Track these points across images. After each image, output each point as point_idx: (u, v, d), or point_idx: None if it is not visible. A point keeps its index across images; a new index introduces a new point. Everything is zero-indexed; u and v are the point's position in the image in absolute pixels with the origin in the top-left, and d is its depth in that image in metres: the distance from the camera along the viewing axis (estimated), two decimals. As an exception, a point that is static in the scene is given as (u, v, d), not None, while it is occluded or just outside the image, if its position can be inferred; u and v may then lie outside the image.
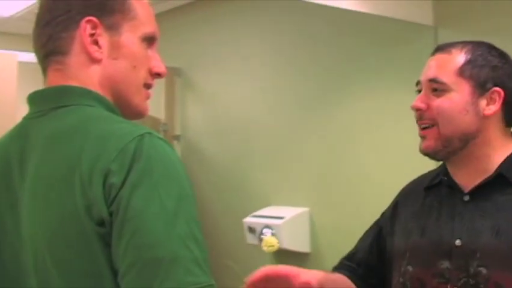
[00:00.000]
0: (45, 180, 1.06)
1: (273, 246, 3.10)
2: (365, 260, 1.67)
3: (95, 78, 1.13)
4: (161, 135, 1.08)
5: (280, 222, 3.19)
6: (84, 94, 1.12)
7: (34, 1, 3.22)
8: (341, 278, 1.66)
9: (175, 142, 3.90)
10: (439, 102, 1.43)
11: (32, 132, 1.13)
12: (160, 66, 1.20)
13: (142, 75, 1.17)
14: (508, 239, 1.35)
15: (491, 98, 1.43)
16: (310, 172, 3.29)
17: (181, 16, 3.90)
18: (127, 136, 1.02)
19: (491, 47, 1.47)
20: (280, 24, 3.45)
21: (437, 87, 1.44)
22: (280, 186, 3.44)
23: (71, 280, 1.02)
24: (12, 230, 1.11)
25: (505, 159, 1.44)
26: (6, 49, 3.47)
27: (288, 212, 3.27)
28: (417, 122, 1.48)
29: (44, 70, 1.17)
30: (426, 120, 1.46)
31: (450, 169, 1.50)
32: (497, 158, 1.44)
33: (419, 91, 1.49)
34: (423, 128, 1.47)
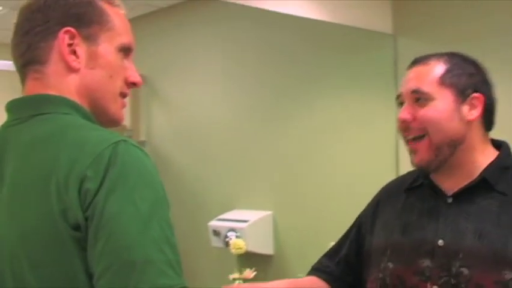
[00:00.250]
0: (22, 186, 1.07)
1: (240, 248, 3.13)
2: (344, 258, 1.67)
3: (72, 87, 1.14)
4: (135, 143, 1.09)
5: (245, 225, 3.23)
6: (61, 102, 1.13)
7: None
8: (309, 281, 1.67)
9: (139, 148, 3.91)
10: (425, 111, 1.44)
11: (10, 140, 1.13)
12: (135, 76, 1.21)
13: (118, 84, 1.18)
14: (490, 242, 1.37)
15: (472, 104, 1.45)
16: (273, 176, 3.34)
17: (146, 25, 3.90)
18: (102, 143, 1.03)
19: (464, 56, 1.51)
20: (242, 33, 3.49)
21: (419, 97, 1.45)
22: (244, 190, 3.47)
23: (47, 283, 1.03)
24: None
25: (488, 164, 1.46)
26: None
27: (252, 215, 3.31)
28: (402, 134, 1.47)
29: (23, 79, 1.18)
30: (414, 131, 1.45)
31: (433, 174, 1.50)
32: (480, 163, 1.46)
33: (401, 103, 1.49)
34: (413, 140, 1.46)
